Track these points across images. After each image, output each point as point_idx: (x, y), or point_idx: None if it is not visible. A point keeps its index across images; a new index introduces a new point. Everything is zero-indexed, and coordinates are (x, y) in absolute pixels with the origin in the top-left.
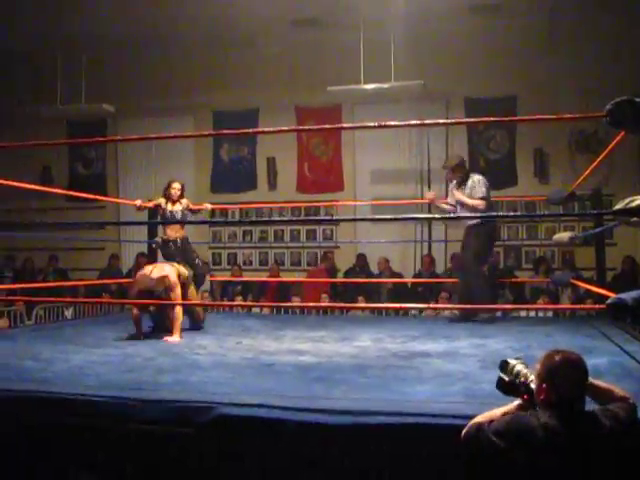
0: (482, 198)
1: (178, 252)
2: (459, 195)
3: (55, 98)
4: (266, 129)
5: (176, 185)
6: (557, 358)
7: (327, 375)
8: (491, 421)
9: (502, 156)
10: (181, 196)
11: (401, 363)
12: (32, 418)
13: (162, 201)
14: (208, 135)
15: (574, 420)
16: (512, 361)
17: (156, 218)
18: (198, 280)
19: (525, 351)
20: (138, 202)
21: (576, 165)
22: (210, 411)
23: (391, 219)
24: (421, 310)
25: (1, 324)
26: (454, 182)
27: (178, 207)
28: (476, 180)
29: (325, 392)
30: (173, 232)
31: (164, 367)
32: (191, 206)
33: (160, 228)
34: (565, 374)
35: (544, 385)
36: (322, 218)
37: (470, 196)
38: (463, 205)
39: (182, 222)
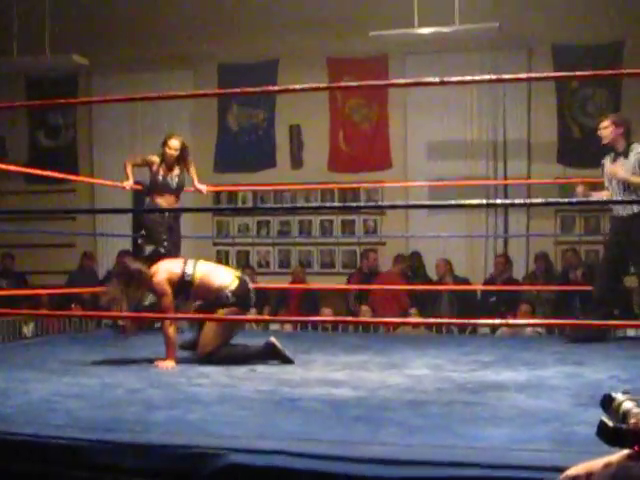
0: None
1: (164, 229)
2: (620, 172)
3: (10, 48)
4: (288, 86)
5: (174, 143)
6: None
7: (370, 414)
8: (589, 474)
9: None
10: (182, 159)
11: (469, 398)
12: None
13: (155, 161)
14: (212, 95)
15: None
16: (619, 396)
17: (142, 203)
18: None
19: (635, 383)
20: (127, 184)
21: None
22: (215, 460)
23: (455, 205)
24: (494, 327)
25: None
26: (608, 157)
27: (176, 173)
28: None
29: (368, 436)
30: (164, 202)
31: (155, 401)
32: (194, 176)
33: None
34: None
35: None
36: (363, 205)
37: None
38: (626, 187)
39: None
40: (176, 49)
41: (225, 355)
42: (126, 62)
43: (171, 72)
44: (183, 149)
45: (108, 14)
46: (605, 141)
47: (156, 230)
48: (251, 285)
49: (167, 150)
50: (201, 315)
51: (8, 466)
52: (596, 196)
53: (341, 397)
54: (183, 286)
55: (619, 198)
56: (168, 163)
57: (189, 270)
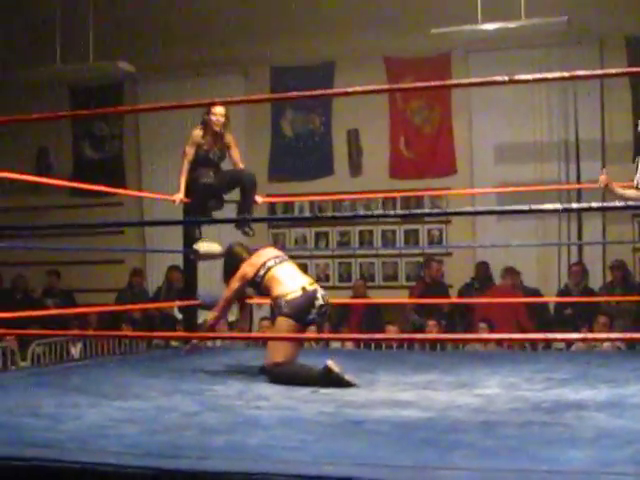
0: None
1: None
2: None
3: (53, 56)
4: (346, 89)
5: (219, 109)
6: None
7: (439, 436)
8: None
9: None
10: (222, 135)
11: (545, 418)
12: None
13: (199, 134)
14: (265, 100)
15: None
16: None
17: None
18: None
19: None
20: (177, 197)
21: None
22: None
23: (527, 211)
24: (570, 342)
25: None
26: None
27: (219, 147)
28: None
29: (438, 459)
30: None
31: (212, 425)
32: (238, 161)
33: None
34: None
35: None
36: (428, 212)
37: None
38: None
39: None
40: (226, 52)
41: (291, 372)
42: (174, 67)
43: (221, 76)
44: (226, 123)
45: (154, 18)
46: None
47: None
48: (320, 300)
49: (212, 117)
50: (254, 335)
51: None
52: (617, 188)
53: (408, 418)
54: (253, 284)
55: None
56: (212, 134)
57: (262, 272)
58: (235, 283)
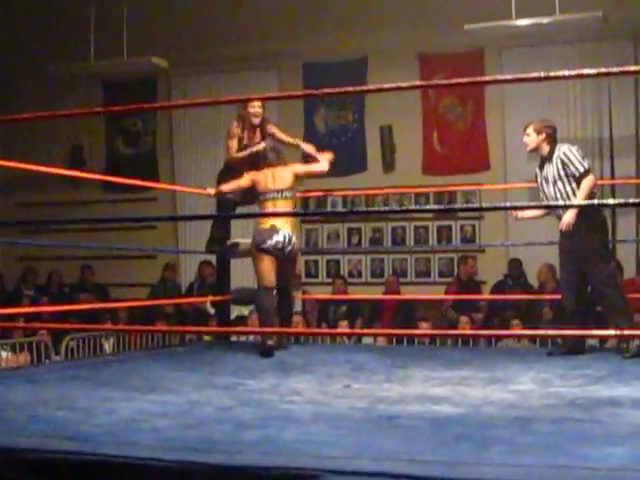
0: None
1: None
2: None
3: (87, 52)
4: (379, 86)
5: (256, 102)
6: None
7: (474, 432)
8: None
9: None
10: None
11: (580, 415)
12: None
13: (237, 129)
14: (298, 96)
15: None
16: None
17: (229, 209)
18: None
19: None
20: (212, 190)
21: None
22: None
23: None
24: (603, 339)
25: (21, 360)
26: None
27: (258, 139)
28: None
29: (472, 455)
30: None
31: (246, 420)
32: (280, 134)
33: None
34: None
35: None
36: (462, 207)
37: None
38: (562, 191)
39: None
40: (259, 48)
41: (262, 308)
42: (207, 63)
43: (254, 72)
44: (263, 115)
45: (187, 13)
46: (528, 149)
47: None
48: (279, 237)
49: (250, 109)
50: (286, 329)
51: None
52: (522, 215)
53: (442, 414)
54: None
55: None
56: (250, 127)
57: (264, 196)
58: (248, 181)
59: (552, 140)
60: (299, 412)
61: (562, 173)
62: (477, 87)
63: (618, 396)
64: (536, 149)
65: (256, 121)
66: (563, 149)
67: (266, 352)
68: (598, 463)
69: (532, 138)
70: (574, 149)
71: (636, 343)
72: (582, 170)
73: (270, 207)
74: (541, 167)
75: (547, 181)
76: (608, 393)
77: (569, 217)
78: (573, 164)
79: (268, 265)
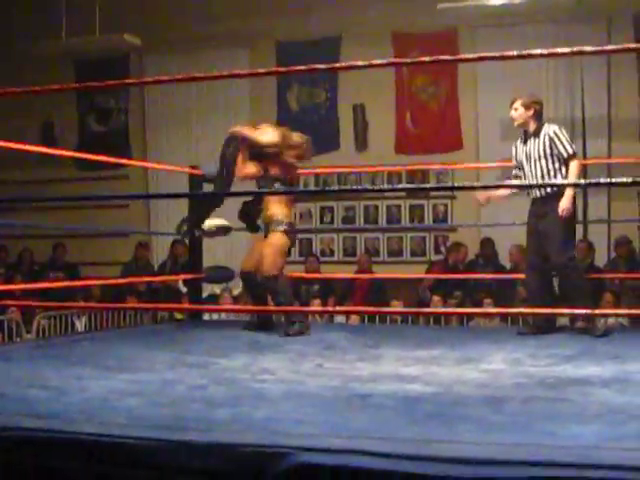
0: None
1: None
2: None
3: (58, 29)
4: (352, 63)
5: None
6: None
7: (445, 410)
8: None
9: None
10: None
11: (550, 394)
12: (41, 465)
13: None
14: (270, 73)
15: None
16: None
17: (200, 187)
18: None
19: None
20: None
21: None
22: (283, 459)
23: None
24: (573, 318)
25: None
26: (519, 139)
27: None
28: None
29: (443, 434)
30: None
31: (218, 399)
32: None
33: None
34: None
35: None
36: (434, 186)
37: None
38: (543, 168)
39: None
40: (232, 26)
41: (285, 285)
42: (180, 41)
43: (227, 50)
44: None
45: None
46: (516, 123)
47: None
48: None
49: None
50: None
51: (64, 466)
52: (493, 199)
53: (413, 393)
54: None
55: (535, 181)
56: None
57: None
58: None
59: (539, 117)
60: (271, 391)
61: (548, 151)
62: (450, 67)
63: (587, 375)
64: (523, 124)
65: None
66: (553, 128)
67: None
68: (567, 441)
69: (520, 113)
70: (563, 130)
71: (605, 322)
72: (571, 152)
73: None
74: (524, 142)
75: (529, 158)
76: (578, 373)
77: (567, 202)
78: (562, 144)
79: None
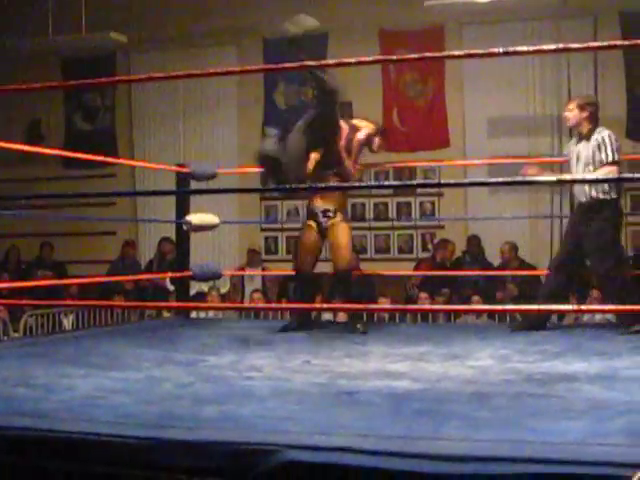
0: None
1: None
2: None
3: (45, 28)
4: (340, 60)
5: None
6: None
7: (432, 407)
8: None
9: None
10: None
11: (537, 390)
12: (27, 464)
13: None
14: (257, 71)
15: None
16: None
17: (187, 186)
18: None
19: None
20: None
21: None
22: (270, 456)
23: (521, 182)
24: (562, 315)
25: None
26: (574, 138)
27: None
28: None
29: (430, 431)
30: None
31: (205, 396)
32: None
33: None
34: None
35: None
36: (422, 183)
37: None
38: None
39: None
40: (219, 24)
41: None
42: (166, 39)
43: (213, 48)
44: None
45: None
46: (569, 124)
47: None
48: None
49: None
50: (246, 305)
51: (51, 465)
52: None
53: (401, 390)
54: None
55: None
56: None
57: None
58: None
59: (594, 119)
60: (258, 388)
61: (595, 157)
62: (437, 64)
63: (575, 372)
64: (576, 125)
65: None
66: (604, 133)
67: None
68: (555, 438)
69: (574, 114)
70: (613, 137)
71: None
72: (611, 159)
73: None
74: (577, 144)
75: (579, 160)
76: (565, 369)
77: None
78: (606, 150)
79: None
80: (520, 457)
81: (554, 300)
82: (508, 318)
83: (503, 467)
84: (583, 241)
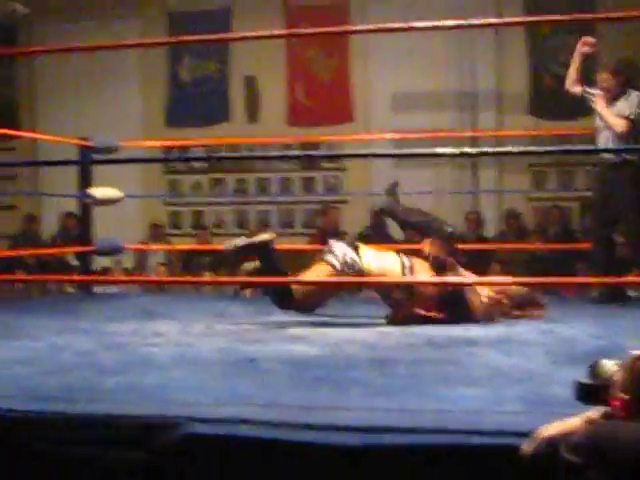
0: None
1: None
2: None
3: None
4: (243, 34)
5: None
6: None
7: (332, 374)
8: (566, 434)
9: None
10: None
11: (438, 355)
12: None
13: None
14: (161, 44)
15: None
16: (608, 365)
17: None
18: None
19: (610, 339)
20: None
21: None
22: (173, 429)
23: (425, 155)
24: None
25: None
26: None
27: None
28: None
29: (329, 399)
30: None
31: (107, 366)
32: None
33: None
34: None
35: (628, 398)
36: (327, 154)
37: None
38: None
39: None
40: None
41: None
42: (70, 10)
43: (118, 21)
44: None
45: None
46: (602, 85)
47: None
48: None
49: None
50: (150, 278)
51: None
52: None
53: (300, 355)
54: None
55: (609, 143)
56: None
57: None
58: None
59: (626, 82)
60: (161, 356)
61: (635, 110)
62: (342, 39)
63: (474, 337)
64: (608, 90)
65: None
66: (634, 93)
67: None
68: (454, 405)
69: (610, 82)
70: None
71: None
72: (627, 113)
73: None
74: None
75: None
76: (465, 334)
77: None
78: (628, 105)
79: None
80: (419, 427)
81: (607, 272)
82: None
83: (402, 436)
84: (611, 203)
